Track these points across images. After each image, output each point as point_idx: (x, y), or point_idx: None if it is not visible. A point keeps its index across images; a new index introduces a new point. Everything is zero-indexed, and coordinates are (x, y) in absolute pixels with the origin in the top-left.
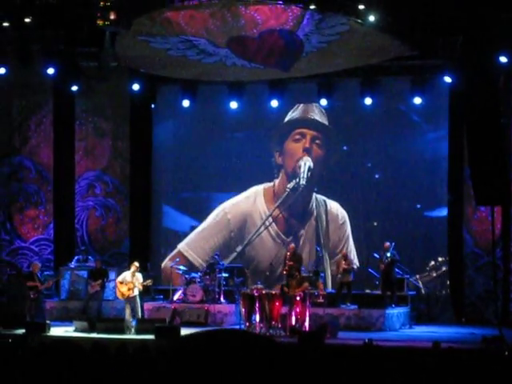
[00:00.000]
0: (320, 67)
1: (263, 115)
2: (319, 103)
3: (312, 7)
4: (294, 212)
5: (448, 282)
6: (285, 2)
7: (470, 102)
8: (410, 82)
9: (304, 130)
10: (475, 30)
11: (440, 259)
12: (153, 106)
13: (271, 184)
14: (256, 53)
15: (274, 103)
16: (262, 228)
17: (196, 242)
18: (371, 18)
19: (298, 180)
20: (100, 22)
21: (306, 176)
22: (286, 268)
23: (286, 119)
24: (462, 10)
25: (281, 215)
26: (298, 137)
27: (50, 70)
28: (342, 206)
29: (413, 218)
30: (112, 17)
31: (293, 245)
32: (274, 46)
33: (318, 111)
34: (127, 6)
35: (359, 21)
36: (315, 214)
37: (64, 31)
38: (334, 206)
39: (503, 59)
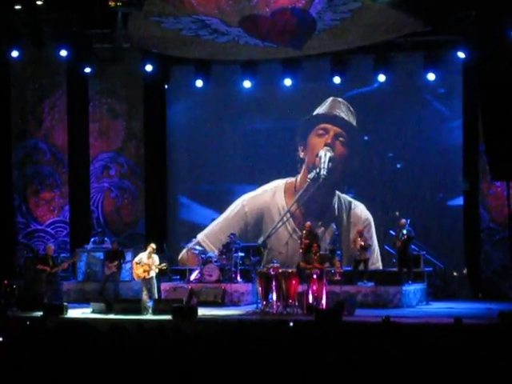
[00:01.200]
0: (333, 45)
1: (277, 94)
2: (332, 81)
3: None
4: (312, 210)
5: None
6: None
7: (484, 78)
8: (423, 58)
9: (328, 126)
10: (487, 5)
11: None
12: (166, 86)
13: (293, 179)
14: (269, 31)
15: (288, 82)
16: (280, 223)
17: (214, 233)
18: None
19: (318, 170)
20: (112, 3)
21: (326, 166)
22: (303, 246)
23: (313, 114)
24: None
25: (298, 211)
26: (321, 132)
27: (63, 53)
28: (366, 201)
29: (435, 208)
30: None
31: (309, 223)
32: (287, 25)
33: (345, 109)
34: None
35: None
36: (336, 213)
37: (76, 13)
38: (359, 208)
39: None
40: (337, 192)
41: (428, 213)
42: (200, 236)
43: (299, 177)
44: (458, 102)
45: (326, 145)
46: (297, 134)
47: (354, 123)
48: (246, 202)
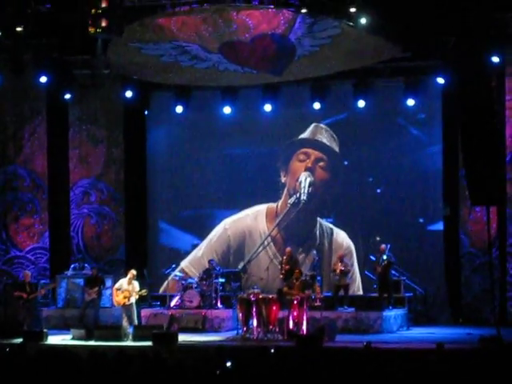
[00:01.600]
0: (312, 71)
1: (257, 120)
2: (312, 107)
3: (303, 11)
4: (294, 236)
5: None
6: (276, 6)
7: (464, 103)
8: (402, 84)
9: (309, 150)
10: (467, 31)
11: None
12: (146, 112)
13: (274, 205)
14: (248, 57)
15: (268, 107)
16: (261, 248)
17: (197, 259)
18: (363, 21)
19: (298, 195)
20: (92, 30)
21: (306, 191)
22: (283, 272)
23: (296, 139)
24: (453, 10)
25: (279, 236)
26: (302, 157)
27: (43, 79)
28: (346, 226)
29: (416, 232)
30: (103, 24)
31: (289, 248)
32: (267, 51)
33: (327, 135)
34: (119, 13)
35: (351, 24)
36: (318, 241)
37: (56, 39)
38: (341, 236)
39: (495, 59)
40: (318, 219)
41: (408, 238)
42: (183, 263)
43: (280, 202)
44: (438, 127)
45: (306, 169)
46: (278, 159)
47: (337, 149)
48: (228, 226)
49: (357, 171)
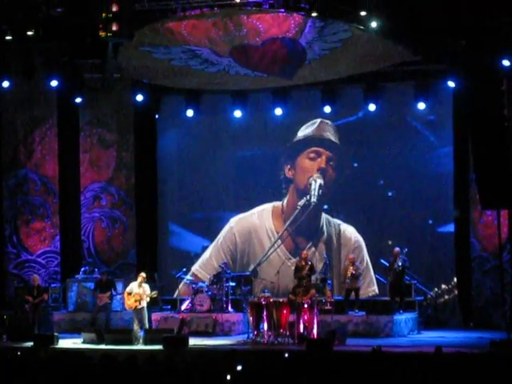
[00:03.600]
0: (323, 74)
1: (267, 123)
2: (323, 110)
3: (314, 15)
4: (301, 231)
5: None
6: (287, 10)
7: (474, 106)
8: (413, 88)
9: (320, 150)
10: (478, 34)
11: (451, 277)
12: (157, 116)
13: (280, 203)
14: (259, 61)
15: (278, 111)
16: (271, 250)
17: (206, 261)
18: (373, 25)
19: (308, 197)
20: (102, 34)
21: (317, 194)
22: (299, 276)
23: (301, 134)
24: (463, 14)
25: (289, 238)
26: (313, 155)
27: (54, 83)
28: (357, 227)
29: (426, 235)
30: (114, 28)
31: (305, 252)
32: (277, 54)
33: (333, 131)
34: (129, 17)
35: (361, 27)
36: (326, 235)
37: (67, 43)
38: (349, 230)
39: (506, 63)
40: (323, 214)
41: (419, 241)
42: (194, 268)
43: (286, 199)
44: (448, 131)
45: (319, 169)
46: (283, 153)
47: (338, 142)
48: (233, 224)
49: (368, 174)
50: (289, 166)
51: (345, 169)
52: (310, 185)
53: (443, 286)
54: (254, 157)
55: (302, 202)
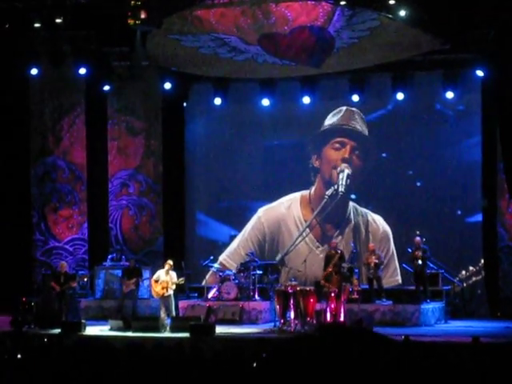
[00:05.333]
0: (351, 63)
1: (295, 112)
2: (351, 99)
3: (342, 3)
4: (329, 219)
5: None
6: None
7: (503, 96)
8: (441, 77)
9: (345, 140)
10: (507, 23)
11: (479, 265)
12: (184, 104)
13: (307, 192)
14: (287, 50)
15: (306, 100)
16: (299, 239)
17: (233, 250)
18: (402, 13)
19: (336, 187)
20: (131, 22)
21: (345, 183)
22: (332, 266)
23: (327, 123)
24: (493, 2)
25: (317, 227)
26: (337, 145)
27: (82, 71)
28: (385, 217)
29: (454, 225)
30: (143, 16)
31: (335, 240)
32: (305, 43)
33: (359, 119)
34: (158, 4)
35: (390, 16)
36: (353, 223)
37: (95, 31)
38: (377, 219)
39: None
40: (351, 203)
41: (447, 231)
42: (221, 257)
43: (314, 188)
44: (477, 120)
45: (343, 160)
46: (309, 143)
47: (367, 133)
48: (261, 214)
49: (396, 164)
50: (316, 156)
51: (372, 159)
52: (338, 175)
53: (471, 268)
54: (281, 146)
55: (329, 192)
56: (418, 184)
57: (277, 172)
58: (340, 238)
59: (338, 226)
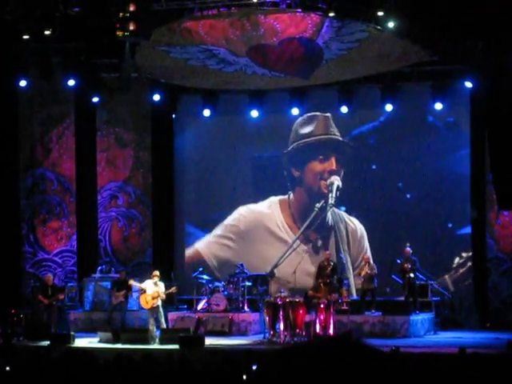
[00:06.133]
0: (340, 74)
1: (284, 123)
2: (340, 110)
3: (331, 14)
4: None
5: (470, 285)
6: (304, 9)
7: (491, 107)
8: (430, 88)
9: (329, 152)
10: (495, 34)
11: (464, 255)
12: (174, 115)
13: (286, 196)
14: (276, 61)
15: (295, 111)
16: (289, 251)
17: (211, 244)
18: (390, 25)
19: (326, 199)
20: (120, 33)
21: (334, 195)
22: (324, 278)
23: (303, 131)
24: (481, 13)
25: (305, 240)
26: (321, 157)
27: (71, 82)
28: (375, 231)
29: (444, 237)
30: (131, 28)
31: (328, 252)
32: (294, 54)
33: (334, 125)
34: (146, 16)
35: (378, 27)
36: (335, 227)
37: (84, 43)
38: (352, 219)
39: None
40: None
41: (436, 242)
42: (199, 245)
43: (293, 195)
44: (466, 132)
45: (330, 172)
46: (289, 153)
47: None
48: (242, 212)
49: (386, 176)
50: (294, 168)
51: (362, 171)
52: (328, 187)
53: (457, 260)
54: (270, 158)
55: (319, 205)
56: (408, 196)
57: (266, 184)
58: (321, 242)
59: (320, 231)
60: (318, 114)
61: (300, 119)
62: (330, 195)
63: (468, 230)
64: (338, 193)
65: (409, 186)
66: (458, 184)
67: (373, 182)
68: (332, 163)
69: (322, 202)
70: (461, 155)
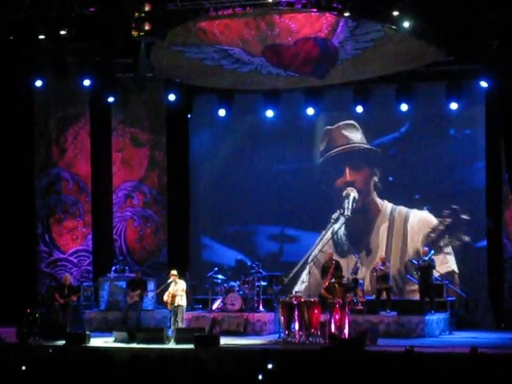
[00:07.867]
0: (355, 74)
1: (299, 123)
2: (355, 110)
3: (346, 14)
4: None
5: (485, 285)
6: (319, 9)
7: (507, 107)
8: (445, 88)
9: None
10: (510, 34)
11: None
12: (189, 115)
13: None
14: (291, 61)
15: (310, 111)
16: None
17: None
18: (406, 24)
19: (342, 211)
20: (135, 33)
21: (351, 207)
22: (329, 277)
23: (355, 138)
24: (496, 13)
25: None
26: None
27: (86, 82)
28: None
29: (462, 251)
30: (147, 27)
31: (331, 251)
32: (309, 54)
33: (350, 129)
34: (162, 16)
35: (394, 27)
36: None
37: (99, 43)
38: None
39: None
40: None
41: (455, 255)
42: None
43: None
44: (481, 131)
45: (346, 183)
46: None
47: (363, 138)
48: None
49: (403, 188)
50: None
51: (379, 182)
52: (345, 198)
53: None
54: (287, 169)
55: (335, 215)
56: (425, 208)
57: (282, 194)
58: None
59: (325, 227)
60: (352, 121)
61: (342, 123)
62: (347, 206)
63: (485, 242)
64: (354, 205)
65: (426, 199)
66: (474, 195)
67: (389, 194)
68: (347, 175)
69: (338, 212)
70: (478, 167)
